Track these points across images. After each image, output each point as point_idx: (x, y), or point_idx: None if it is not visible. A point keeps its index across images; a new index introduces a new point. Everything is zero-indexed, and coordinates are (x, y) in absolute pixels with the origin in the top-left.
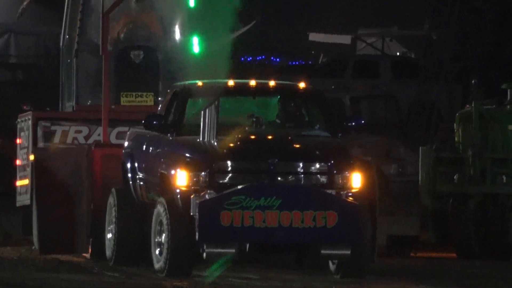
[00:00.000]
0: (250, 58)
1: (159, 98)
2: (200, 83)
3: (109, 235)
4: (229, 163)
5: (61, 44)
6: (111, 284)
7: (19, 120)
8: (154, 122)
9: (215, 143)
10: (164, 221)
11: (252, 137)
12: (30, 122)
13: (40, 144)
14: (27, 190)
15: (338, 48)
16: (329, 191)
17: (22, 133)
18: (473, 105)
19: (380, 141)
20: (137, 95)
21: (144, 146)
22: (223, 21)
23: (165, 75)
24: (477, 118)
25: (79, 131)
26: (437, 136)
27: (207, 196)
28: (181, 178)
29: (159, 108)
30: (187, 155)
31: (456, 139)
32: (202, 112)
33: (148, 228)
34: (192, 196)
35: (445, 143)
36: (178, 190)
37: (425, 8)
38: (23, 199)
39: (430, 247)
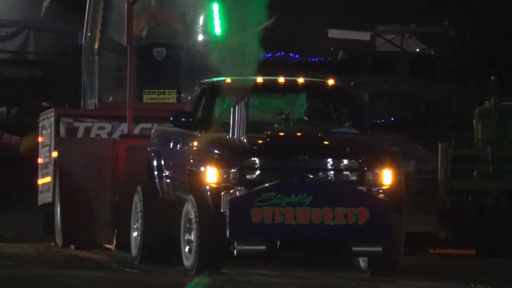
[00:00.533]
0: (269, 54)
1: (181, 95)
2: (228, 80)
3: (135, 234)
4: (259, 160)
5: (82, 41)
6: (130, 281)
7: (40, 118)
8: (183, 119)
9: (245, 140)
10: (193, 219)
11: (282, 134)
12: (52, 119)
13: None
14: (49, 188)
15: (357, 44)
16: (359, 188)
17: (44, 131)
18: (492, 101)
19: (397, 139)
20: (159, 92)
21: (171, 144)
22: (250, 15)
23: (187, 72)
24: (496, 115)
25: (102, 128)
26: (455, 134)
27: (237, 193)
28: (211, 175)
29: (186, 105)
30: (217, 152)
31: (474, 135)
32: (232, 109)
33: (174, 226)
34: (222, 193)
35: (464, 140)
36: (207, 187)
37: (445, 4)
38: (44, 197)
39: (448, 245)
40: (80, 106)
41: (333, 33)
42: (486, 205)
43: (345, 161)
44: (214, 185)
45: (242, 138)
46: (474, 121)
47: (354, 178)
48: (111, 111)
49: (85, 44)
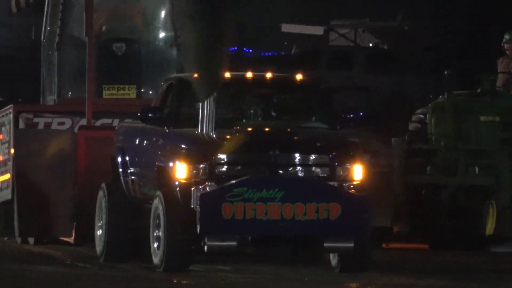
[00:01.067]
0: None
1: (141, 91)
2: (196, 74)
3: (99, 232)
4: (229, 155)
5: (42, 37)
6: (82, 276)
7: None
8: (150, 115)
9: (215, 135)
10: (161, 215)
11: (252, 129)
12: (11, 115)
13: None
14: (8, 184)
15: (310, 39)
16: (331, 183)
17: (3, 128)
18: (446, 95)
19: (352, 133)
20: (119, 88)
21: (137, 140)
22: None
23: (147, 68)
24: (450, 109)
25: (62, 123)
26: (409, 128)
27: (208, 189)
28: (181, 171)
29: (153, 101)
30: (187, 147)
31: (429, 130)
32: (201, 104)
33: (140, 224)
34: (192, 189)
35: (418, 134)
36: (177, 183)
37: None
38: (4, 195)
39: (402, 239)
40: (39, 101)
41: (286, 27)
42: (440, 199)
43: (316, 156)
44: (183, 181)
45: (211, 133)
46: (427, 115)
47: (325, 173)
48: (71, 107)
49: (44, 40)
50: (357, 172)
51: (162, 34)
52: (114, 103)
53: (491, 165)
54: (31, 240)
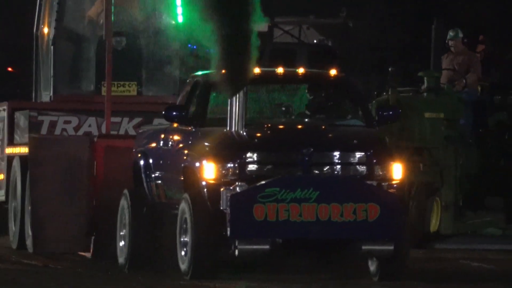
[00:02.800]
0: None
1: (142, 88)
2: (223, 71)
3: (122, 242)
4: (260, 153)
5: (34, 30)
6: (28, 273)
7: None
8: (175, 113)
9: (245, 133)
10: (188, 218)
11: (284, 126)
12: (5, 113)
13: (25, 135)
14: (1, 185)
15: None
16: (369, 182)
17: None
18: (390, 92)
19: None
20: (119, 85)
21: (161, 142)
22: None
23: (149, 63)
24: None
25: (69, 122)
26: None
27: (238, 189)
28: (209, 170)
29: (179, 99)
30: (215, 145)
31: None
32: (229, 101)
33: (166, 231)
34: (222, 189)
35: None
36: (204, 184)
37: None
38: None
39: None
40: (32, 98)
41: None
42: None
43: (353, 154)
44: (211, 181)
45: (241, 131)
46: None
47: (362, 172)
48: (68, 104)
49: (38, 33)
50: (397, 170)
51: (165, 27)
52: (113, 101)
53: (435, 162)
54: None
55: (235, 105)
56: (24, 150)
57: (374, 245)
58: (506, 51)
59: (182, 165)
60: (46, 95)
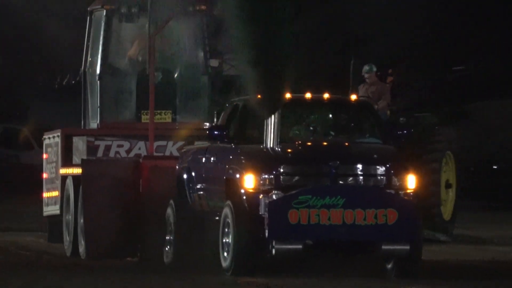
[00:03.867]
0: None
1: (176, 116)
2: (259, 96)
3: (168, 247)
4: (293, 166)
5: (83, 67)
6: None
7: (45, 137)
8: (217, 133)
9: (280, 149)
10: (231, 222)
11: (314, 142)
12: (59, 139)
13: (83, 157)
14: (56, 201)
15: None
16: (388, 191)
17: (49, 149)
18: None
19: None
20: (156, 113)
21: (203, 159)
22: None
23: (181, 94)
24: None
25: (121, 145)
26: None
27: (274, 197)
28: (249, 181)
29: (219, 121)
30: (254, 159)
31: None
32: (265, 121)
33: (207, 236)
34: (260, 197)
35: None
36: (245, 192)
37: None
38: (51, 210)
39: None
40: (81, 126)
41: None
42: None
43: (374, 167)
44: (251, 190)
45: (275, 147)
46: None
47: (382, 182)
48: (113, 130)
49: (87, 69)
50: (411, 181)
51: (194, 64)
52: (152, 127)
53: None
54: (82, 255)
55: (271, 125)
56: (76, 170)
57: (392, 245)
58: (410, 82)
59: (225, 177)
60: (93, 123)
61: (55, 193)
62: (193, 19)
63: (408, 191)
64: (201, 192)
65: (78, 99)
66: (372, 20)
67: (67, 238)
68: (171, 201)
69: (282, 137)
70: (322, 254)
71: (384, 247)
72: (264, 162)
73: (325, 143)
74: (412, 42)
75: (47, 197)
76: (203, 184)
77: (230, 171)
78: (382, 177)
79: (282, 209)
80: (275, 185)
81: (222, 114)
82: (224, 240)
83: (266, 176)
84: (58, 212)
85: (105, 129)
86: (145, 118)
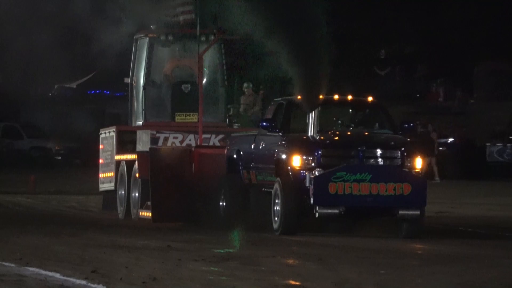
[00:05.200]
0: (94, 91)
1: (200, 117)
2: (299, 97)
3: (221, 212)
4: (330, 149)
5: (129, 80)
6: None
7: (101, 132)
8: (267, 124)
9: (320, 136)
10: (280, 194)
11: (345, 132)
12: (114, 133)
13: (147, 147)
14: (111, 180)
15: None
16: (403, 169)
17: (104, 141)
18: None
19: None
20: (186, 115)
21: (253, 144)
22: None
23: (205, 101)
24: None
25: (176, 137)
26: None
27: (317, 173)
28: (296, 161)
29: (265, 115)
30: (301, 144)
31: None
32: (307, 116)
33: (255, 202)
34: (306, 173)
35: None
36: (292, 170)
37: None
38: (106, 186)
39: None
40: (127, 124)
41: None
42: None
43: (391, 151)
44: (297, 168)
45: (316, 135)
46: None
47: (397, 162)
48: (154, 127)
49: (132, 82)
50: (418, 162)
51: (214, 78)
52: (183, 125)
53: None
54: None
55: (311, 118)
56: (130, 156)
57: (407, 211)
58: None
59: (274, 158)
60: (139, 122)
61: (111, 174)
62: (214, 45)
63: (416, 169)
64: (251, 170)
65: (52, 107)
66: None
67: (120, 207)
68: (224, 176)
69: (319, 128)
70: (353, 216)
71: (400, 212)
72: (308, 146)
73: (353, 133)
74: None
75: (103, 177)
76: (253, 163)
77: (280, 154)
78: (397, 159)
79: (323, 182)
80: (316, 164)
81: (268, 110)
82: (275, 208)
83: (310, 157)
84: (113, 188)
85: (148, 126)
86: (178, 118)
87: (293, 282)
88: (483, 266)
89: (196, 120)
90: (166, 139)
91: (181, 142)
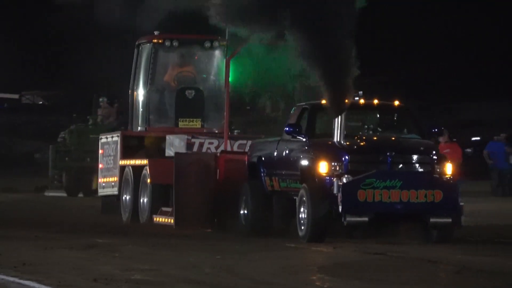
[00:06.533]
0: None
1: (203, 122)
2: (323, 101)
3: (243, 218)
4: (359, 155)
5: (131, 84)
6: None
7: (101, 137)
8: (292, 129)
9: (348, 142)
10: (307, 201)
11: (373, 137)
12: (118, 138)
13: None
14: (115, 184)
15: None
16: (434, 175)
17: (105, 146)
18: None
19: None
20: (189, 121)
21: (275, 150)
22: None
23: (208, 107)
24: None
25: (211, 143)
26: None
27: (345, 180)
28: (323, 167)
29: (289, 120)
30: (327, 150)
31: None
32: (334, 121)
33: (278, 209)
34: (334, 180)
35: None
36: (320, 176)
37: None
38: (108, 191)
39: None
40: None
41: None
42: None
43: (421, 156)
44: (324, 175)
45: (343, 141)
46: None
47: (427, 168)
48: (157, 133)
49: (133, 87)
50: (449, 168)
51: (218, 84)
52: (186, 131)
53: None
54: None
55: (338, 123)
56: (136, 162)
57: (438, 218)
58: None
59: (301, 163)
60: (142, 127)
61: (114, 179)
62: (218, 51)
63: (447, 176)
64: (274, 176)
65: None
66: None
67: (126, 212)
68: (246, 183)
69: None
70: (383, 224)
71: (432, 219)
72: (335, 152)
73: (381, 138)
74: None
75: (104, 182)
76: (276, 170)
77: (305, 160)
78: (427, 164)
79: (352, 189)
80: (344, 170)
81: (291, 115)
82: (300, 216)
83: (337, 163)
84: (116, 193)
85: (150, 131)
86: (181, 124)
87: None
88: None
89: (200, 126)
90: (201, 144)
91: (217, 147)
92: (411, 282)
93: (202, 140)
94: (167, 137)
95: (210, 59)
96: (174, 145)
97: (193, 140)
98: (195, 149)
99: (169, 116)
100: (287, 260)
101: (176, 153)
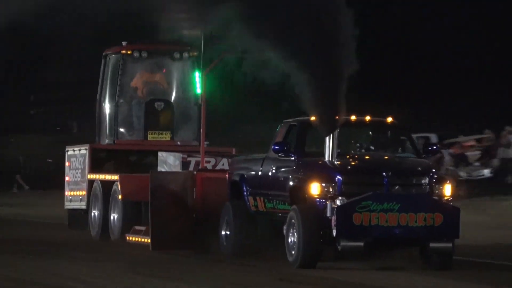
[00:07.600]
0: None
1: (173, 135)
2: (313, 118)
3: (224, 240)
4: (353, 176)
5: (98, 96)
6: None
7: (68, 149)
8: (279, 148)
9: (339, 162)
10: (297, 224)
11: (368, 156)
12: (86, 151)
13: (175, 170)
14: (82, 199)
15: None
16: (434, 197)
17: (72, 159)
18: None
19: None
20: (159, 133)
21: (260, 168)
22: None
23: (177, 119)
24: None
25: (208, 162)
26: None
27: (339, 202)
28: (315, 188)
29: (275, 138)
30: (319, 170)
31: None
32: (325, 139)
33: (263, 231)
34: (328, 202)
35: None
36: (312, 198)
37: None
38: (75, 205)
39: None
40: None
41: None
42: None
43: (419, 177)
44: (316, 196)
45: (336, 160)
46: None
47: (426, 190)
48: (126, 146)
49: (101, 99)
50: (448, 189)
51: (188, 96)
52: (155, 144)
53: None
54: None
55: (329, 142)
56: (105, 177)
57: (438, 243)
58: None
59: (290, 184)
60: (110, 140)
61: (81, 193)
62: (188, 62)
63: (446, 197)
64: (258, 196)
65: None
66: None
67: (95, 227)
68: (228, 203)
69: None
70: (379, 250)
71: (431, 245)
72: (328, 172)
73: (376, 157)
74: None
75: (71, 195)
76: (261, 190)
77: (295, 180)
78: (425, 185)
79: (347, 212)
80: (337, 192)
81: (277, 132)
82: (289, 239)
83: (330, 184)
84: (84, 207)
85: (119, 145)
86: (151, 137)
87: None
88: None
89: (169, 139)
90: (197, 163)
91: (214, 166)
92: None
93: (198, 159)
94: (159, 153)
95: (180, 70)
96: (168, 163)
97: (188, 158)
98: (191, 168)
99: (137, 128)
100: None
101: (152, 172)
